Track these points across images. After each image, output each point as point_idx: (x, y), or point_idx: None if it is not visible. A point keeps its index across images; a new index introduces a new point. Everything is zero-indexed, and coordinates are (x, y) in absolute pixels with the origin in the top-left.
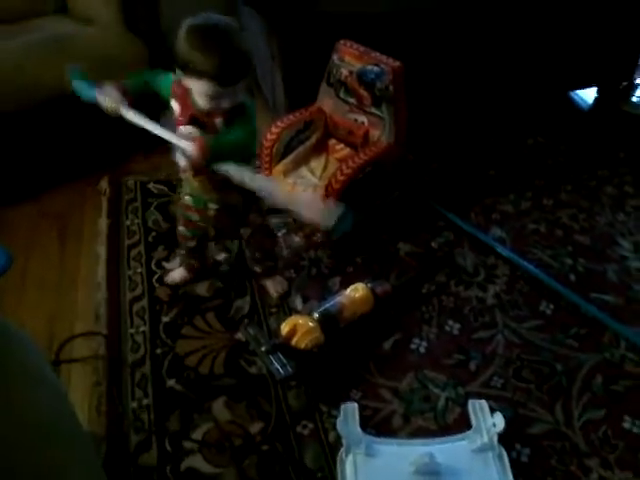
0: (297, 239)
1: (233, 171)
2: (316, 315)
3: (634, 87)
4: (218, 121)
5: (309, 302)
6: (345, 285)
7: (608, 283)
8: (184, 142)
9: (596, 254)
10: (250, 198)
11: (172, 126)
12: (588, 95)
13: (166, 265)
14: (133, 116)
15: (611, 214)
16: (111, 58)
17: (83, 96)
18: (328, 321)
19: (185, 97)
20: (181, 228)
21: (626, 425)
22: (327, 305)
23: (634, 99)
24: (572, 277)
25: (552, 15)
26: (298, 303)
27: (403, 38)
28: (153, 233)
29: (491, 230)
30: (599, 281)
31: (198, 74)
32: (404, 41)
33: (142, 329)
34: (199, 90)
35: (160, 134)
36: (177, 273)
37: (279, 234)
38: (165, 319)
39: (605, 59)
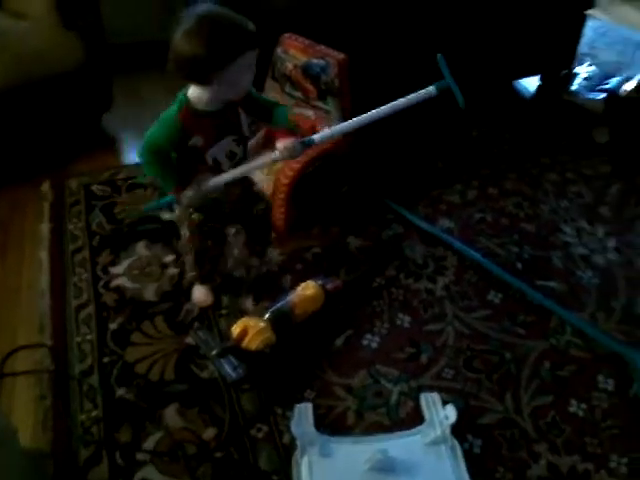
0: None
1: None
2: (267, 315)
3: (573, 76)
4: (241, 114)
5: (260, 302)
6: (296, 283)
7: (553, 270)
8: (278, 152)
9: (541, 241)
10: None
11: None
12: (530, 84)
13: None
14: (223, 177)
15: (554, 201)
16: (44, 53)
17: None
18: (279, 321)
19: (198, 118)
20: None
21: (572, 409)
22: (278, 304)
23: (573, 87)
24: (519, 265)
25: (495, 6)
26: (249, 304)
27: (347, 30)
28: (97, 237)
29: (439, 221)
30: (544, 268)
31: (230, 58)
32: (348, 33)
33: (89, 337)
34: (215, 91)
35: (255, 166)
36: (201, 293)
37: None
38: (112, 326)
39: (546, 48)
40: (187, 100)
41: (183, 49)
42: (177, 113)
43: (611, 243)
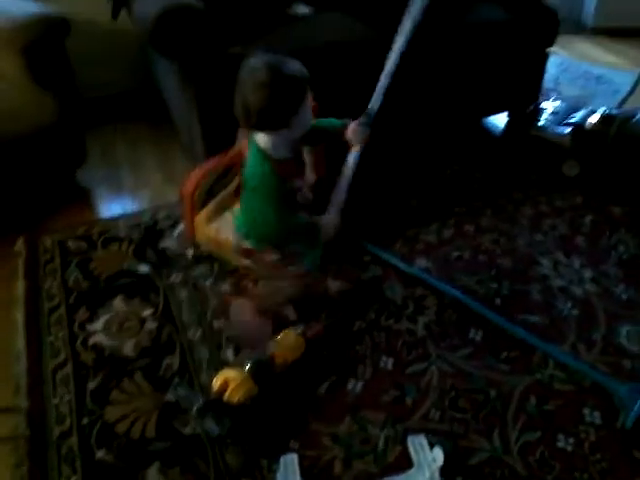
0: (225, 287)
1: None
2: (247, 366)
3: (540, 111)
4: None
5: (241, 353)
6: (276, 331)
7: (532, 303)
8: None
9: (519, 276)
10: None
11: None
12: (499, 121)
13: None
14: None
15: (529, 235)
16: (17, 111)
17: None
18: (260, 371)
19: (284, 164)
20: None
21: (560, 444)
22: (258, 356)
23: (541, 123)
24: (498, 301)
25: (464, 50)
26: (229, 355)
27: (317, 75)
28: (74, 293)
29: (417, 261)
30: (524, 302)
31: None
32: (318, 78)
33: (67, 398)
34: (290, 134)
35: (349, 176)
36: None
37: (206, 283)
38: (91, 385)
39: (512, 86)
40: (267, 154)
41: (263, 101)
42: (272, 170)
43: (588, 274)
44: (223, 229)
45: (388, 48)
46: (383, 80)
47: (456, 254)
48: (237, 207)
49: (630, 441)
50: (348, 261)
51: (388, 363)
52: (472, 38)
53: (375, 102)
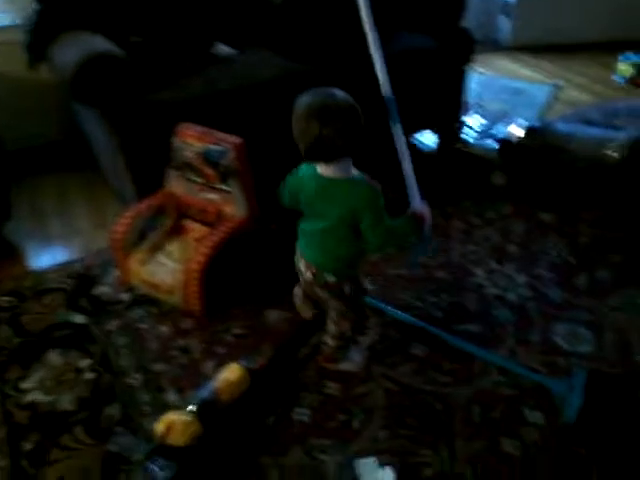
0: (164, 329)
1: None
2: (191, 407)
3: (465, 126)
4: None
5: (184, 394)
6: (219, 368)
7: (471, 313)
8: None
9: (456, 287)
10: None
11: None
12: (428, 139)
13: None
14: None
15: (463, 246)
16: None
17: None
18: (205, 410)
19: None
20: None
21: (506, 449)
22: (202, 394)
23: (467, 137)
24: (438, 314)
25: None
26: (172, 397)
27: (240, 115)
28: (5, 351)
29: None
30: (463, 313)
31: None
32: (241, 118)
33: (1, 464)
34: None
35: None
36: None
37: (144, 326)
38: (27, 446)
39: (435, 104)
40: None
41: (340, 130)
42: (369, 185)
43: (521, 279)
44: (158, 271)
45: (320, 81)
46: None
47: (394, 272)
48: (171, 247)
49: (570, 438)
50: (287, 289)
51: (333, 388)
52: (397, 65)
53: None
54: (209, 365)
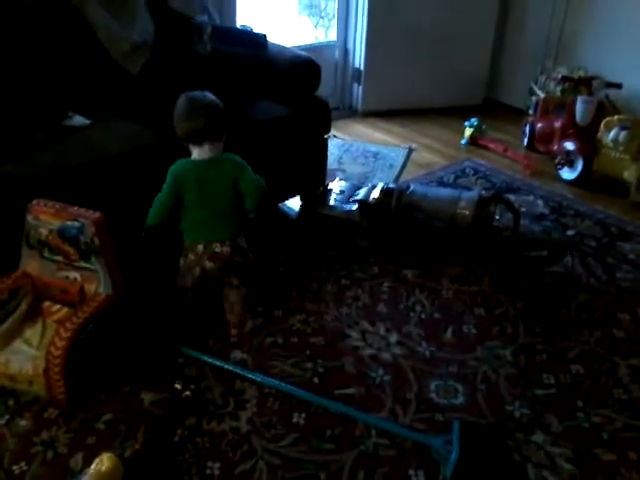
0: (24, 422)
1: None
2: None
3: (328, 192)
4: None
5: None
6: (89, 460)
7: (348, 376)
8: None
9: (331, 351)
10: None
11: None
12: (295, 205)
13: None
14: None
15: (336, 309)
16: None
17: None
18: None
19: None
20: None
21: None
22: None
23: (331, 202)
24: (315, 380)
25: (250, 145)
26: None
27: (94, 189)
28: None
29: (232, 354)
30: (340, 376)
31: None
32: (96, 191)
33: None
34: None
35: None
36: None
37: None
38: None
39: (298, 171)
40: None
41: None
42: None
43: (393, 338)
44: (13, 359)
45: (171, 153)
46: None
47: (269, 340)
48: (30, 332)
49: None
50: (161, 367)
51: (214, 468)
52: (256, 134)
53: None
54: (78, 458)
